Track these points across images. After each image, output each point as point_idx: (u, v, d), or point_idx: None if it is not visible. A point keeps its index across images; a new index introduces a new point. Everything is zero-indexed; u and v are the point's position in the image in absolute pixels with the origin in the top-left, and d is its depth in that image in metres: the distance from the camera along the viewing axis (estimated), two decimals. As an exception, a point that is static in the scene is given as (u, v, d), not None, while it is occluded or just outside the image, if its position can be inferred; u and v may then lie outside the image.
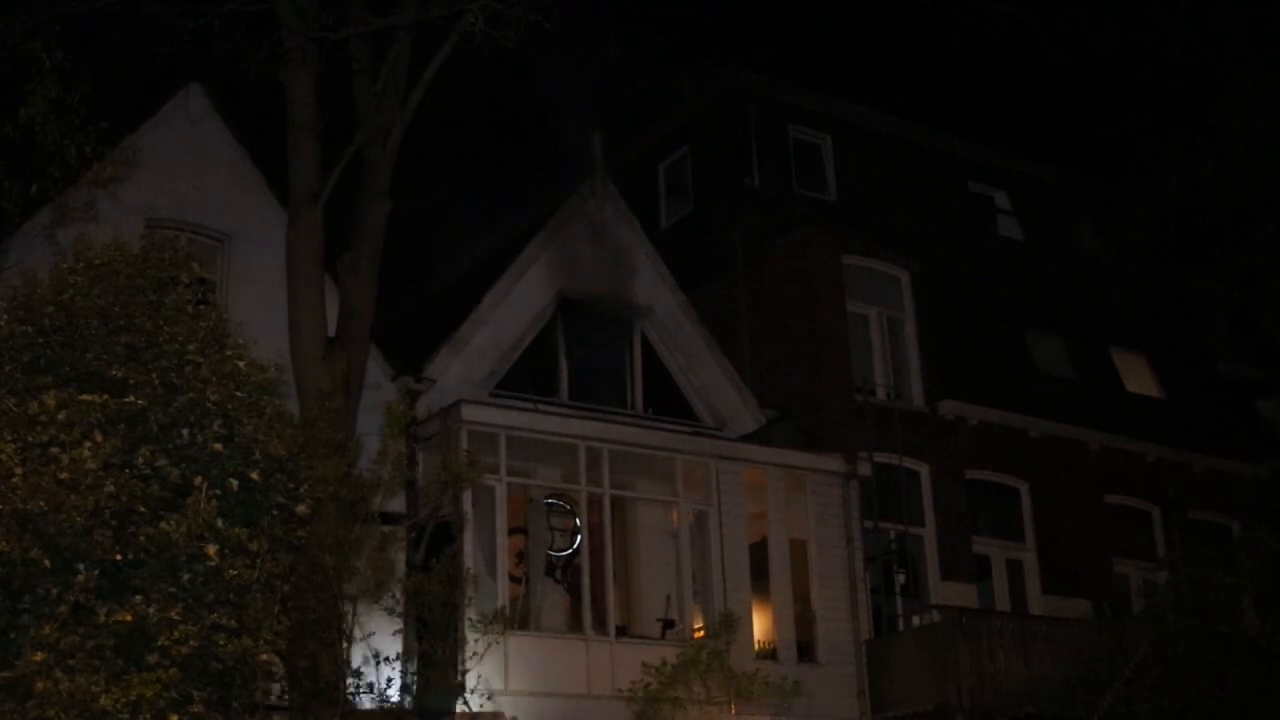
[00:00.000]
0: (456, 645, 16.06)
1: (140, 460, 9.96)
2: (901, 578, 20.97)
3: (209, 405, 10.33)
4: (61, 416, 9.75)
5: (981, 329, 24.21)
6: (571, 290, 20.35)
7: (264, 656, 10.06)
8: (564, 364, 20.11)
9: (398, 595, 15.17)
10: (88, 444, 9.67)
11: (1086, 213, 28.02)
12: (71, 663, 9.26)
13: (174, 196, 17.54)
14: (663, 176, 25.76)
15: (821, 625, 19.71)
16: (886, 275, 22.96)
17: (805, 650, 19.56)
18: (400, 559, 15.64)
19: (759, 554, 19.64)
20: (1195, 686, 18.07)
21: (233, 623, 9.83)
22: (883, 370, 22.35)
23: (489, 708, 16.08)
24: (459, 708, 16.01)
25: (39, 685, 9.11)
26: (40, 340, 10.45)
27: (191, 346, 10.63)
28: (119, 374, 10.30)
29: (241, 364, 10.83)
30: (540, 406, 19.04)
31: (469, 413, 17.62)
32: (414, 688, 15.21)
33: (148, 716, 9.31)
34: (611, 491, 18.76)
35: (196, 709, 9.61)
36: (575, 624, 18.45)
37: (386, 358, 18.41)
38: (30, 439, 9.69)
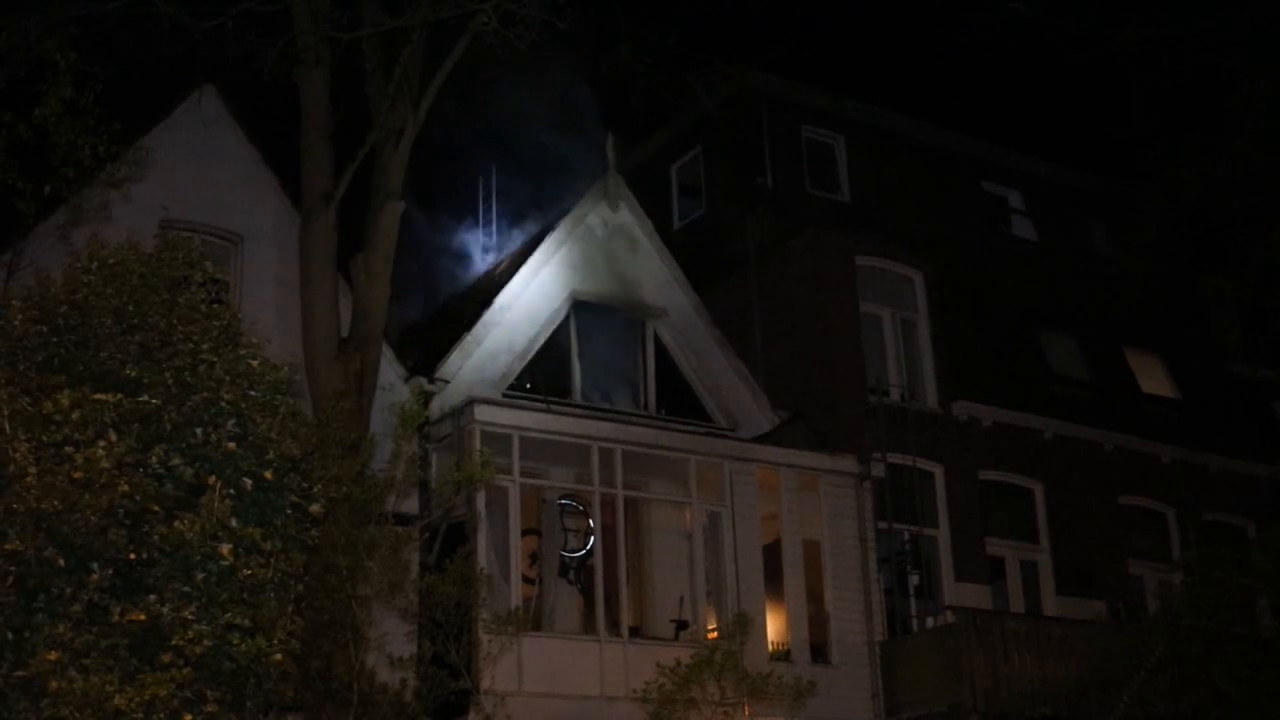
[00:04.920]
0: (470, 647, 16.05)
1: (154, 459, 9.94)
2: (915, 579, 20.92)
3: (223, 404, 10.31)
4: (75, 416, 9.74)
5: (995, 330, 24.16)
6: (584, 291, 20.33)
7: (278, 657, 10.02)
8: (577, 365, 20.09)
9: (411, 596, 15.16)
10: (101, 443, 9.66)
11: (1100, 213, 27.96)
12: (86, 662, 9.24)
13: (187, 197, 17.55)
14: (675, 177, 25.75)
15: (835, 626, 19.68)
16: (900, 276, 22.92)
17: (819, 651, 19.54)
18: (414, 560, 15.63)
19: (772, 555, 19.61)
20: (1211, 688, 17.99)
21: (247, 622, 9.80)
22: (896, 371, 22.30)
23: (502, 709, 16.06)
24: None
25: (53, 684, 9.10)
26: (54, 340, 10.44)
27: (205, 346, 10.61)
28: (133, 373, 10.29)
29: (255, 363, 10.80)
30: (553, 407, 19.03)
31: (482, 413, 17.62)
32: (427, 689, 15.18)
33: (161, 716, 9.30)
34: (625, 492, 18.75)
35: (210, 709, 9.59)
36: (589, 625, 18.43)
37: (399, 358, 18.41)
38: (44, 438, 9.68)
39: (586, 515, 19.11)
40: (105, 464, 9.55)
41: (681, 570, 19.29)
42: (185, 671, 9.40)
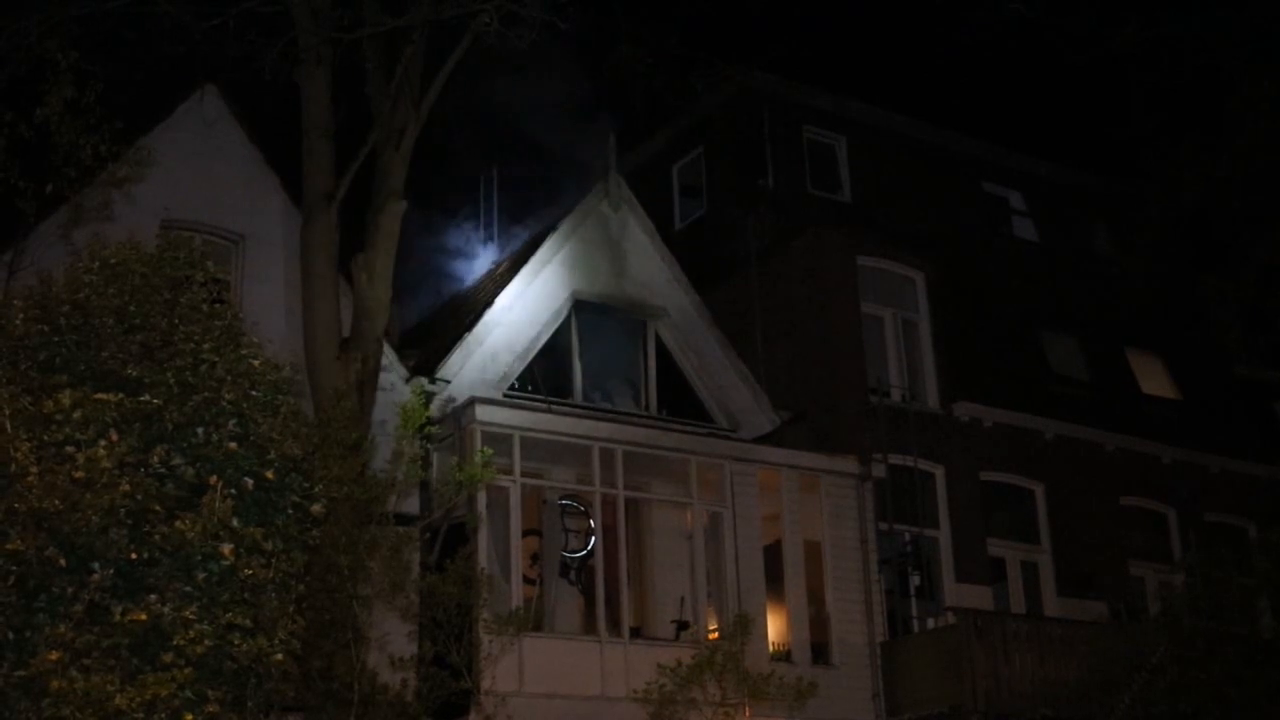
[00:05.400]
0: (471, 647, 16.04)
1: (155, 459, 9.95)
2: (916, 580, 20.90)
3: (224, 404, 10.32)
4: (77, 415, 9.75)
5: (996, 330, 24.16)
6: (585, 291, 20.32)
7: (279, 657, 10.02)
8: (578, 365, 20.08)
9: (412, 597, 15.16)
10: (103, 443, 9.67)
11: (1101, 214, 27.95)
12: (87, 662, 9.25)
13: (189, 197, 17.54)
14: (676, 177, 25.73)
15: (836, 627, 19.67)
16: (901, 276, 22.90)
17: (820, 652, 19.53)
18: (414, 560, 15.62)
19: (773, 555, 19.60)
20: (1212, 689, 17.99)
21: (248, 622, 9.81)
22: (897, 371, 22.28)
23: (503, 710, 16.05)
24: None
25: (54, 684, 9.10)
26: (56, 339, 10.46)
27: (206, 345, 10.62)
28: (134, 373, 10.30)
29: (256, 363, 10.82)
30: (554, 407, 19.02)
31: (482, 413, 17.61)
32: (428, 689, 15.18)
33: (163, 716, 9.31)
34: (625, 493, 18.74)
35: (211, 708, 9.59)
36: (589, 625, 18.42)
37: (401, 359, 18.40)
38: (45, 438, 9.69)
39: (587, 515, 19.11)
40: (106, 464, 9.56)
41: (682, 571, 19.28)
42: (186, 671, 9.41)
